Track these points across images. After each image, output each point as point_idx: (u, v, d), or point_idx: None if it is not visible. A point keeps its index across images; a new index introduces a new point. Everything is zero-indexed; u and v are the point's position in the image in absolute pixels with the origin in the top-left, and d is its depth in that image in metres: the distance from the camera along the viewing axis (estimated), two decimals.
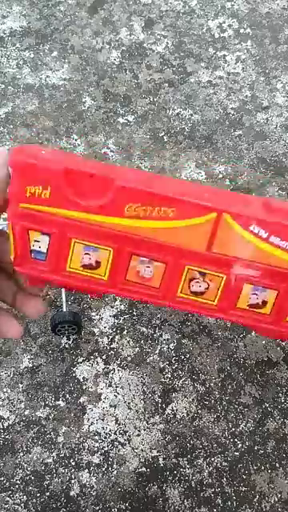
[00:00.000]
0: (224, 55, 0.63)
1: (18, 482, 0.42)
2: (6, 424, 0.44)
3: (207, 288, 0.33)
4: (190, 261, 0.33)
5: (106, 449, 0.43)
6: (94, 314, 0.48)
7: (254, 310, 0.33)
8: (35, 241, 0.31)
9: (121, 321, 0.48)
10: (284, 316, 0.34)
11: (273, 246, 0.31)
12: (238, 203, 0.30)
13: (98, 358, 0.46)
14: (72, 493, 0.42)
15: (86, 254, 0.32)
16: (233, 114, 0.59)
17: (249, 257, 0.32)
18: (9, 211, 0.29)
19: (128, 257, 0.32)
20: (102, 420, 0.44)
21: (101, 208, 0.31)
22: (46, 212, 0.30)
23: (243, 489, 0.42)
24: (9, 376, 0.46)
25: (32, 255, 0.32)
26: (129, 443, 0.43)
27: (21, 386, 0.45)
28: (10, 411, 0.44)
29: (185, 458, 0.43)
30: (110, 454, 0.43)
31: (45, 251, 0.32)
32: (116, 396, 0.45)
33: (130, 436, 0.44)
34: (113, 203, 0.31)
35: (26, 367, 0.46)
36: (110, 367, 0.46)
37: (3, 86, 0.60)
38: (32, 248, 0.32)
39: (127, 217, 0.31)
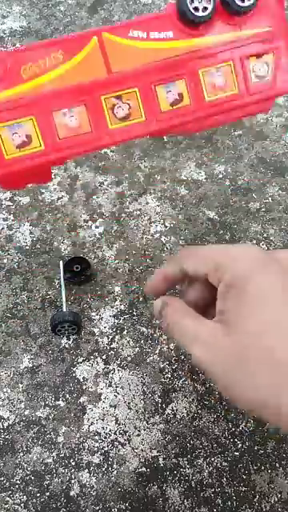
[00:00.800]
0: None
1: (17, 482, 0.42)
2: (5, 424, 0.44)
3: (130, 108, 0.33)
4: (101, 91, 0.32)
5: (106, 449, 0.43)
6: (93, 314, 0.48)
7: (177, 106, 0.33)
8: None
9: (121, 321, 0.48)
10: (202, 98, 0.33)
11: (155, 40, 0.32)
12: None
13: (98, 358, 0.46)
14: (72, 493, 0.42)
15: (14, 134, 0.31)
16: None
17: (144, 61, 0.32)
18: None
19: (50, 115, 0.31)
20: (102, 420, 0.44)
21: (1, 83, 0.30)
22: None
23: (243, 489, 0.42)
24: (9, 376, 0.46)
25: None
26: (129, 443, 0.43)
27: (21, 386, 0.45)
28: (10, 411, 0.44)
29: (185, 458, 0.43)
30: (110, 454, 0.43)
31: None
32: (116, 396, 0.45)
33: (130, 436, 0.44)
34: (9, 74, 0.30)
35: (25, 367, 0.46)
36: (110, 367, 0.46)
37: None
38: None
39: (27, 80, 0.31)
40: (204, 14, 0.30)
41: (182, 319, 0.27)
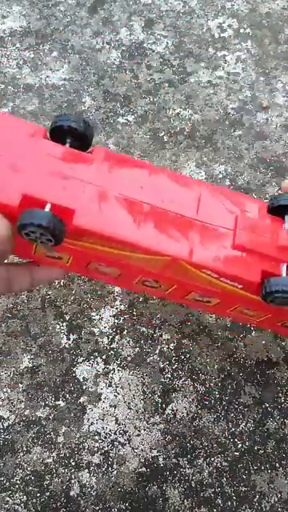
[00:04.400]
0: (224, 55, 0.63)
1: (18, 481, 0.42)
2: (6, 424, 0.44)
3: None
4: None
5: (106, 449, 0.43)
6: (93, 314, 0.48)
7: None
8: None
9: (121, 321, 0.48)
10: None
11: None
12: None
13: (98, 358, 0.46)
14: (72, 493, 0.42)
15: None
16: (233, 114, 0.59)
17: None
18: None
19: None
20: (102, 420, 0.44)
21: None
22: None
23: (243, 489, 0.42)
24: (9, 376, 0.46)
25: None
26: (129, 443, 0.43)
27: (21, 386, 0.45)
28: (10, 411, 0.44)
29: (185, 458, 0.43)
30: (110, 454, 0.43)
31: None
32: (116, 396, 0.45)
33: (130, 436, 0.44)
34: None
35: (26, 367, 0.46)
36: (110, 367, 0.46)
37: (3, 86, 0.60)
38: None
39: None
40: None
41: None
